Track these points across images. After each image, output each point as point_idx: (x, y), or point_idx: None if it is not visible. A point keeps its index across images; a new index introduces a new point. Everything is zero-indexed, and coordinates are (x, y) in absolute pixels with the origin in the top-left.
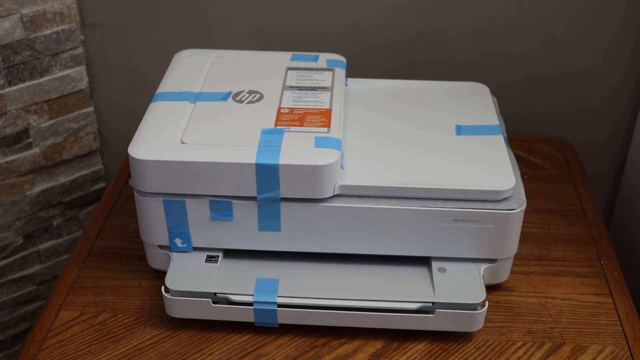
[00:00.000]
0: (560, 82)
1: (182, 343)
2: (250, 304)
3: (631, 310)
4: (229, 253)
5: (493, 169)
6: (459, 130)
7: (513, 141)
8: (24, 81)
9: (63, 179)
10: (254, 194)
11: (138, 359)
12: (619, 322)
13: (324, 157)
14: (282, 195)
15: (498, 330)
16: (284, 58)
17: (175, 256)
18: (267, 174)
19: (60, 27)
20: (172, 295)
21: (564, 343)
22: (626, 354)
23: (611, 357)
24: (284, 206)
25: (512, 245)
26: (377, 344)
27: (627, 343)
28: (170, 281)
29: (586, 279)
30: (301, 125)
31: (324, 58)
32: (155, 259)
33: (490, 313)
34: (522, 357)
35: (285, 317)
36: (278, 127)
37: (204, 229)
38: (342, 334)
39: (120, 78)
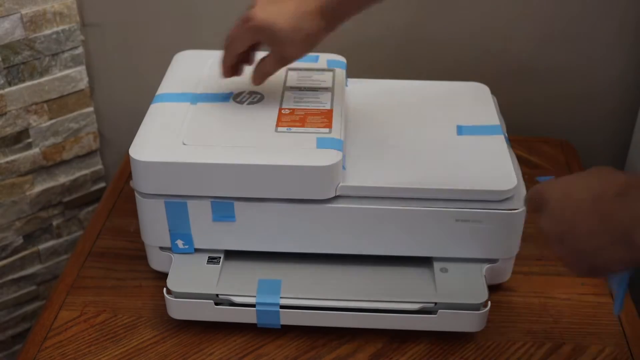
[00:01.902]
0: (561, 82)
1: (182, 343)
2: (253, 306)
3: (631, 311)
4: (231, 254)
5: (494, 169)
6: (460, 130)
7: (513, 141)
8: (24, 81)
9: (63, 179)
10: (255, 195)
11: (138, 359)
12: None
13: (326, 158)
14: (284, 196)
15: (498, 330)
16: None
17: (176, 258)
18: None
19: (60, 27)
20: (173, 297)
21: (564, 343)
22: (626, 354)
23: (611, 357)
24: (285, 207)
25: (514, 245)
26: (378, 344)
27: (627, 343)
28: (172, 283)
29: (586, 279)
30: (302, 126)
31: (324, 58)
32: (156, 261)
33: (491, 313)
34: (522, 357)
35: (287, 318)
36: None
37: (205, 230)
38: (342, 334)
39: (120, 78)
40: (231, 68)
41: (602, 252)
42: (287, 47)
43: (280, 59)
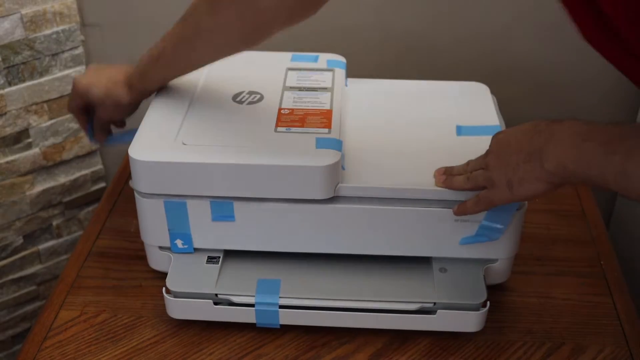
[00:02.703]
0: (561, 82)
1: (182, 343)
2: (252, 305)
3: (631, 310)
4: (230, 254)
5: None
6: (460, 130)
7: None
8: (24, 81)
9: (63, 179)
10: (255, 194)
11: (138, 359)
12: (619, 322)
13: (325, 158)
14: (283, 196)
15: (498, 330)
16: (283, 58)
17: (176, 257)
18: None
19: (60, 27)
20: (173, 297)
21: (564, 343)
22: (626, 354)
23: (611, 357)
24: (285, 207)
25: (513, 245)
26: (377, 344)
27: (627, 343)
28: (172, 282)
29: (586, 279)
30: (302, 126)
31: (324, 58)
32: (156, 260)
33: (491, 313)
34: (522, 357)
35: (286, 318)
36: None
37: (205, 230)
38: (342, 334)
39: None
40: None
41: (519, 168)
42: (101, 109)
43: (100, 119)
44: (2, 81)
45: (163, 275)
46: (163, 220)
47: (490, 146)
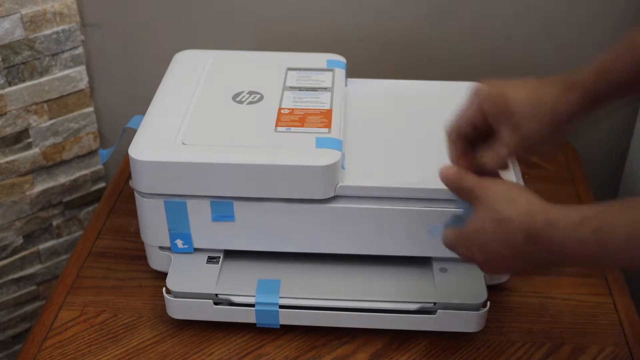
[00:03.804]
0: None
1: (182, 343)
2: (252, 305)
3: (631, 310)
4: (230, 254)
5: None
6: None
7: None
8: (24, 81)
9: (63, 179)
10: (255, 194)
11: (138, 359)
12: (619, 322)
13: (325, 158)
14: (283, 196)
15: (498, 330)
16: (284, 58)
17: (176, 257)
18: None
19: (60, 27)
20: (173, 297)
21: (564, 343)
22: (626, 354)
23: (611, 357)
24: (285, 207)
25: None
26: (377, 344)
27: (627, 343)
28: (172, 282)
29: (586, 279)
30: (302, 126)
31: (324, 58)
32: (156, 260)
33: (491, 313)
34: (522, 357)
35: (286, 318)
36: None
37: (205, 230)
38: (342, 334)
39: (120, 78)
40: (458, 153)
41: (509, 267)
42: (524, 122)
43: (518, 138)
44: (2, 81)
45: (163, 275)
46: (163, 220)
47: (485, 227)
